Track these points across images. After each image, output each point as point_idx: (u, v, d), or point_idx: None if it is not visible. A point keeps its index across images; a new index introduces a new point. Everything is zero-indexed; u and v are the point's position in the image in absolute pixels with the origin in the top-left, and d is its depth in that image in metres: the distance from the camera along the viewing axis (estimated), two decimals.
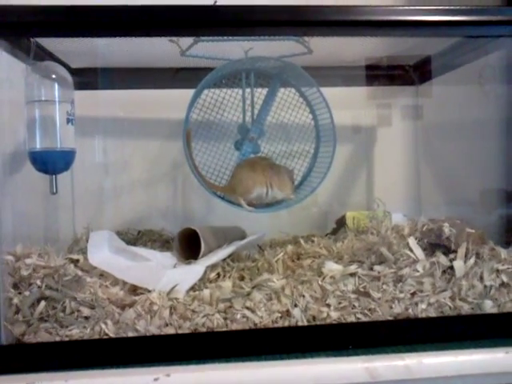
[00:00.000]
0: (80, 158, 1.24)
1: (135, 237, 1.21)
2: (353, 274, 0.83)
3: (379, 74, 1.27)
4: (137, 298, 0.80)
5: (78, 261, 0.93)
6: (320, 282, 0.82)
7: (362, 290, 0.81)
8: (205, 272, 0.91)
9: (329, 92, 1.08)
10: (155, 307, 0.78)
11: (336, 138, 1.06)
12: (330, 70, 1.23)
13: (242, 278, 0.91)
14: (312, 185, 1.09)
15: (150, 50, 1.09)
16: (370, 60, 1.24)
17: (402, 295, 0.80)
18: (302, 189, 1.11)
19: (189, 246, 1.02)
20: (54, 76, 0.92)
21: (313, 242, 1.07)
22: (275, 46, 1.03)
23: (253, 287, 0.82)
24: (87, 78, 1.21)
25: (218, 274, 0.93)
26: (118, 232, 1.20)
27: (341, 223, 1.16)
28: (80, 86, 1.19)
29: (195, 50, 1.04)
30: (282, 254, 0.96)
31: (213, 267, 0.94)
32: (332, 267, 0.84)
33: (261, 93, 1.13)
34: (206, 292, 0.81)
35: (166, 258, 1.00)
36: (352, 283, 0.82)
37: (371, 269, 0.84)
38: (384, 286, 0.81)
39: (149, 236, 1.21)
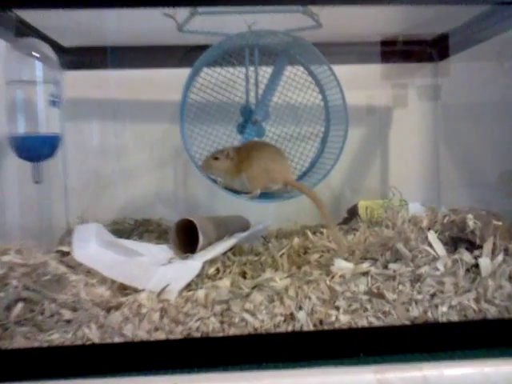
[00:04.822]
0: (74, 143, 1.20)
1: (132, 226, 1.16)
2: (365, 273, 0.75)
3: (395, 50, 1.21)
4: (124, 299, 0.73)
5: (68, 253, 0.87)
6: (328, 282, 0.74)
7: (375, 290, 0.73)
8: (202, 267, 0.84)
9: (340, 70, 1.00)
10: (144, 310, 0.72)
11: (348, 121, 0.98)
12: (342, 46, 1.19)
13: (243, 274, 0.85)
14: (321, 171, 1.02)
15: (147, 26, 1.05)
16: (385, 35, 1.18)
17: (420, 296, 0.73)
18: (310, 175, 1.04)
19: (187, 237, 0.96)
20: (36, 54, 0.84)
21: (321, 233, 0.99)
22: (281, 20, 0.97)
23: (253, 287, 0.75)
24: (81, 57, 1.18)
25: (218, 270, 0.86)
26: (113, 221, 1.18)
27: (353, 213, 1.08)
28: (73, 65, 1.17)
29: (194, 25, 0.98)
30: (287, 247, 0.89)
31: (212, 262, 0.87)
32: (342, 265, 0.76)
33: (265, 71, 1.05)
34: (201, 293, 0.74)
35: (162, 251, 0.94)
36: (364, 283, 0.74)
37: (386, 267, 0.76)
38: (400, 287, 0.74)
39: (146, 226, 1.16)
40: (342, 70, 1.01)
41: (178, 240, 0.96)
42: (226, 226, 1.01)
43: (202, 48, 0.95)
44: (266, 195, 0.98)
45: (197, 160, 1.00)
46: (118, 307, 0.72)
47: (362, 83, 1.23)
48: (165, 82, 1.19)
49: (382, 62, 1.21)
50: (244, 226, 1.08)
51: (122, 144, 1.26)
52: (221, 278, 0.81)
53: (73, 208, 1.19)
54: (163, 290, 0.74)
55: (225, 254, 0.91)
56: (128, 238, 1.07)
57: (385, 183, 1.26)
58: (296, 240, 0.95)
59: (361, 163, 1.27)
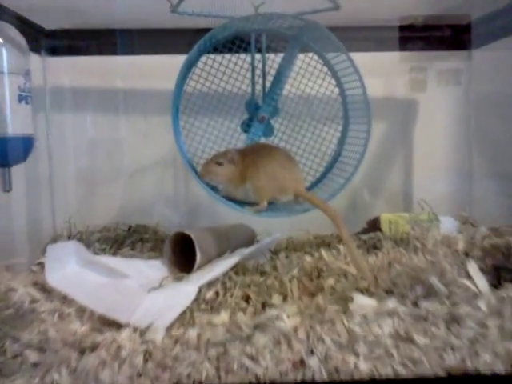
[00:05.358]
0: (61, 138, 1.11)
1: (124, 233, 1.07)
2: (391, 313, 0.63)
3: (422, 35, 1.12)
4: (101, 338, 0.62)
5: None
6: (346, 322, 0.63)
7: (402, 333, 0.62)
8: (199, 291, 0.73)
9: (359, 58, 0.90)
10: (124, 352, 0.61)
11: (371, 118, 0.87)
12: (362, 30, 1.10)
13: (246, 298, 0.74)
14: (338, 178, 0.91)
15: (139, 6, 0.99)
16: (411, 19, 1.09)
17: (457, 341, 0.62)
18: (326, 183, 0.93)
19: (183, 251, 0.86)
20: (1, 40, 0.72)
21: (337, 251, 0.87)
22: (293, 0, 0.90)
23: (255, 327, 0.64)
24: (65, 42, 1.11)
25: (217, 293, 0.76)
26: (104, 227, 1.08)
27: (374, 226, 0.97)
28: (56, 51, 1.10)
29: (191, 5, 0.90)
30: (297, 269, 0.78)
31: (210, 283, 0.77)
32: (363, 302, 0.64)
33: (274, 60, 0.95)
34: (193, 332, 0.63)
35: (153, 269, 0.84)
36: (389, 324, 0.63)
37: (416, 304, 0.65)
38: (433, 329, 0.63)
39: (141, 233, 1.07)
40: (362, 58, 0.91)
41: (173, 255, 0.87)
42: (227, 239, 0.90)
43: (200, 32, 0.85)
44: (273, 207, 0.87)
45: (194, 163, 0.91)
46: (93, 348, 0.62)
47: (384, 73, 1.15)
48: (160, 70, 1.09)
49: (407, 49, 1.11)
50: (249, 236, 0.97)
51: (115, 138, 1.18)
52: (219, 307, 0.71)
53: (61, 212, 1.11)
54: (149, 327, 0.63)
55: (226, 273, 0.80)
56: (119, 247, 0.99)
57: (409, 186, 1.16)
58: (308, 260, 0.84)
59: (382, 164, 1.17)
